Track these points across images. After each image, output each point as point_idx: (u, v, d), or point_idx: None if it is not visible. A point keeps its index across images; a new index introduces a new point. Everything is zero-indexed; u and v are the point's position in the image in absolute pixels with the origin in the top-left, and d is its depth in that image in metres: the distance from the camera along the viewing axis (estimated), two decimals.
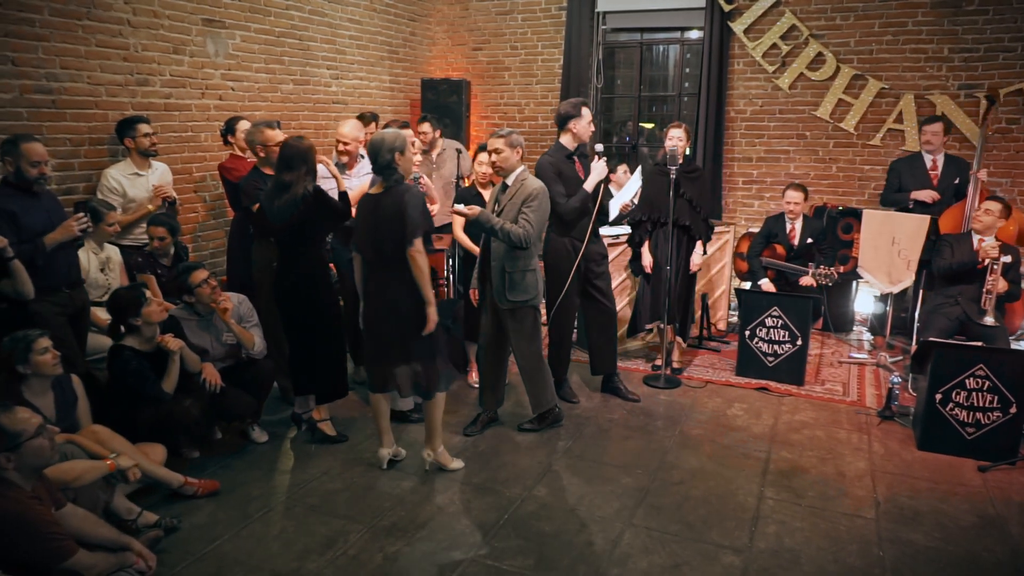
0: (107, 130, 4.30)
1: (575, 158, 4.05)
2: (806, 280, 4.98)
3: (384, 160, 3.23)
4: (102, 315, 3.69)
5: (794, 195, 5.06)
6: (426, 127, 5.48)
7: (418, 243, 3.21)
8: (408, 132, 4.31)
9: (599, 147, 4.01)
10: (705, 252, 4.68)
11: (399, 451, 3.64)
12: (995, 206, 4.39)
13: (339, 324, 3.78)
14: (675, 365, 4.86)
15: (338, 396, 3.81)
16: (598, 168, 3.95)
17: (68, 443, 2.81)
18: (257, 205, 3.78)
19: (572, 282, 4.05)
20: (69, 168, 4.16)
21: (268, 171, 3.99)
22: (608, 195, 4.34)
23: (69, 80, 4.11)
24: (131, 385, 3.28)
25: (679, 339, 4.86)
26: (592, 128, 4.06)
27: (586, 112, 4.02)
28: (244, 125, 4.59)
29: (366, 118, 5.13)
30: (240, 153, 4.56)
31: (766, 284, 5.09)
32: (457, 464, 3.53)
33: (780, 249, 5.13)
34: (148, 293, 3.38)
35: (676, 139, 4.42)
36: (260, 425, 3.84)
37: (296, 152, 3.53)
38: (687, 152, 4.53)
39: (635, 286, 5.32)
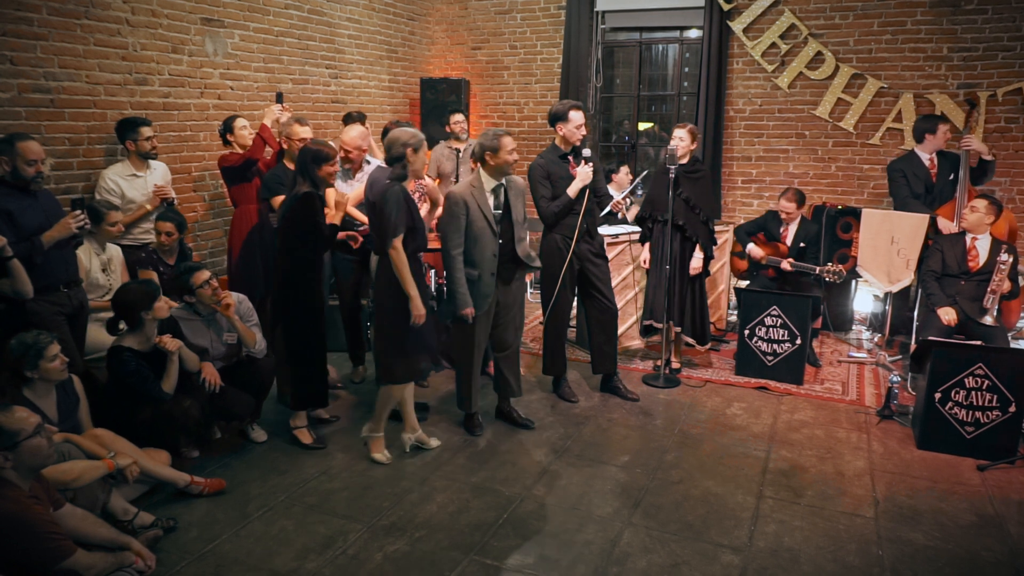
0: (106, 129, 4.30)
1: (570, 158, 4.05)
2: (785, 264, 4.93)
3: (396, 153, 3.32)
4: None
5: (787, 205, 5.05)
6: (459, 117, 5.85)
7: (396, 242, 3.28)
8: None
9: (586, 152, 4.01)
10: (710, 257, 4.61)
11: (428, 440, 3.73)
12: (980, 203, 4.40)
13: (315, 333, 3.65)
14: (673, 365, 4.86)
15: (310, 406, 3.79)
16: (582, 173, 3.95)
17: (66, 442, 2.80)
18: (279, 198, 3.90)
19: (564, 279, 4.08)
20: (68, 167, 4.16)
21: (290, 165, 4.10)
22: (608, 197, 4.32)
23: (67, 79, 4.11)
24: (131, 385, 3.28)
25: (693, 342, 4.78)
26: (583, 132, 4.03)
27: (575, 116, 4.01)
28: (242, 123, 4.60)
29: (353, 118, 5.15)
30: (240, 151, 4.56)
31: (753, 248, 5.07)
32: (380, 457, 3.56)
33: (783, 248, 5.13)
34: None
35: (677, 139, 4.45)
36: (259, 424, 3.84)
37: (304, 155, 3.53)
38: (695, 153, 4.53)
39: (639, 284, 5.33)
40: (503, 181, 3.71)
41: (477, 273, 3.67)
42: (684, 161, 4.49)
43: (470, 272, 3.67)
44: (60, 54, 4.05)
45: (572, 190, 3.97)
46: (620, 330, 5.23)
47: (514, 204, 3.75)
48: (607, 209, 4.20)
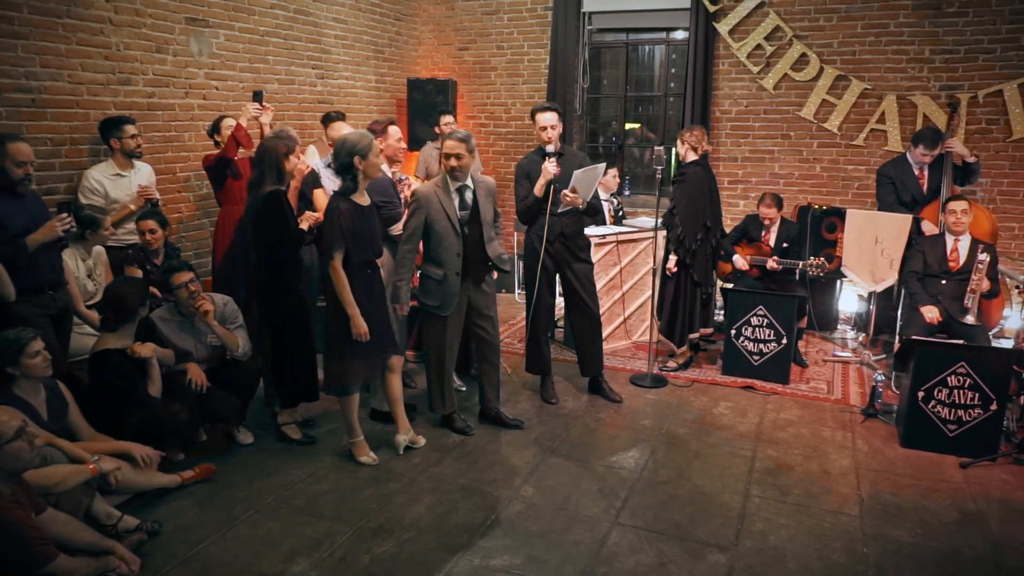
0: (89, 130, 4.25)
1: (555, 159, 4.04)
2: (771, 263, 4.99)
3: (343, 162, 3.30)
4: (95, 314, 3.70)
5: (767, 211, 5.14)
6: (449, 118, 5.85)
7: (334, 261, 3.29)
8: (394, 130, 4.30)
9: (549, 148, 4.02)
10: (684, 260, 4.62)
11: (417, 438, 3.75)
12: (960, 204, 4.43)
13: (296, 330, 3.65)
14: (670, 363, 4.93)
15: (299, 400, 3.79)
16: (544, 171, 3.95)
17: (48, 446, 2.77)
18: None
19: (540, 280, 4.13)
20: (50, 168, 4.11)
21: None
22: (596, 197, 4.25)
23: (49, 79, 4.06)
24: (121, 388, 3.23)
25: (667, 340, 4.88)
26: (547, 134, 4.00)
27: (538, 117, 4.02)
28: (229, 123, 4.57)
29: (332, 117, 5.13)
30: None
31: (738, 260, 5.12)
32: (367, 460, 3.57)
33: (766, 248, 5.18)
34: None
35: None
36: (245, 426, 3.82)
37: (261, 150, 3.53)
38: (694, 159, 4.62)
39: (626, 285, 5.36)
40: (468, 181, 3.70)
41: (443, 272, 3.67)
42: (662, 166, 4.61)
43: (436, 272, 3.68)
44: (42, 53, 4.00)
45: (537, 188, 3.98)
46: (608, 331, 5.26)
47: (483, 205, 3.73)
48: (562, 208, 4.07)
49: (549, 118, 4.01)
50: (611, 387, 4.46)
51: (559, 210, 4.03)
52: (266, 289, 3.59)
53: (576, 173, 3.93)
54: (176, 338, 3.58)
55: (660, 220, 4.68)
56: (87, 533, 2.62)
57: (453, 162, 3.60)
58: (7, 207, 3.16)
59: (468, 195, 3.70)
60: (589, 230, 4.61)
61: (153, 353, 3.33)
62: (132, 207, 4.15)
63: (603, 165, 4.11)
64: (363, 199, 3.41)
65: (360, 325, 3.34)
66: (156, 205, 4.26)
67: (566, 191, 3.94)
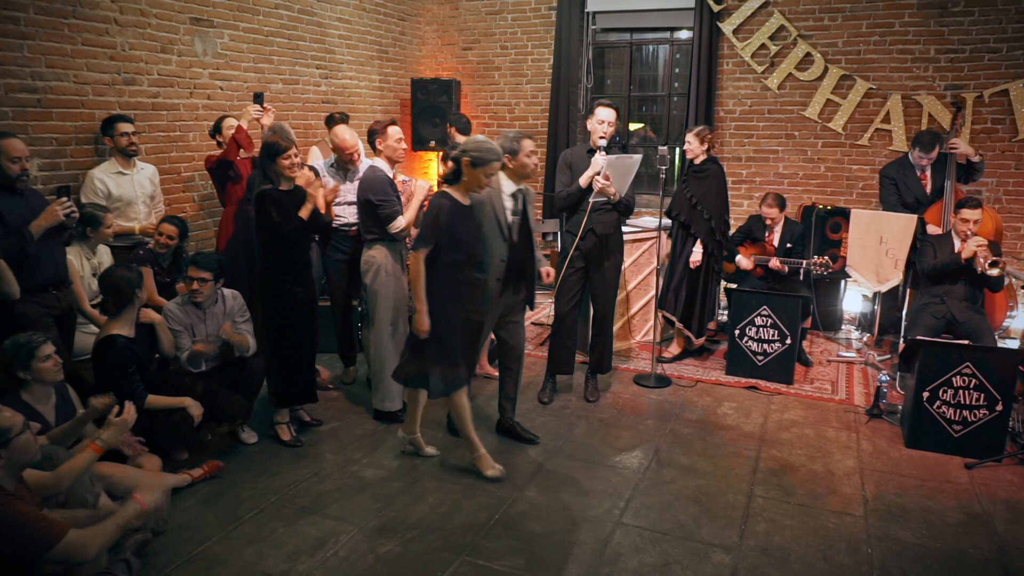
0: (94, 129, 4.27)
1: (604, 152, 4.02)
2: (775, 262, 5.01)
3: (455, 156, 3.36)
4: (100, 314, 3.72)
5: (769, 211, 5.13)
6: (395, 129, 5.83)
7: (416, 252, 3.27)
8: (394, 130, 4.29)
9: (601, 142, 4.00)
10: (710, 252, 4.77)
11: (425, 448, 3.69)
12: (974, 215, 4.35)
13: (292, 331, 3.64)
14: (664, 354, 5.02)
15: (289, 403, 3.78)
16: (593, 163, 3.94)
17: (52, 444, 2.77)
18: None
19: (564, 277, 4.14)
20: (55, 168, 4.13)
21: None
22: (631, 196, 4.23)
23: (55, 79, 4.08)
24: (117, 376, 3.21)
25: (689, 333, 4.99)
26: (604, 128, 4.03)
27: (597, 112, 4.05)
28: (231, 123, 4.57)
29: (335, 119, 5.13)
30: None
31: (741, 260, 5.15)
32: (430, 451, 3.66)
33: (770, 249, 5.16)
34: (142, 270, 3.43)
35: (687, 143, 4.81)
36: (250, 426, 3.82)
37: (261, 151, 3.53)
38: (707, 154, 4.79)
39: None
40: (522, 186, 3.63)
41: (484, 277, 3.56)
42: (698, 162, 4.78)
43: (477, 276, 3.59)
44: (47, 53, 4.02)
45: (583, 179, 3.96)
46: (642, 332, 5.30)
47: (530, 212, 3.69)
48: (593, 195, 4.04)
49: (607, 114, 4.04)
50: (595, 387, 4.45)
51: (590, 197, 3.98)
52: (268, 286, 3.60)
53: (610, 158, 3.90)
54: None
55: (676, 214, 4.83)
56: (109, 524, 2.51)
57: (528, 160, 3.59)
58: (7, 204, 3.17)
59: (520, 200, 3.62)
60: (627, 228, 4.63)
61: (160, 321, 3.45)
62: (136, 228, 4.17)
63: (639, 157, 4.08)
64: (465, 199, 3.37)
65: (423, 322, 3.30)
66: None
67: (598, 176, 3.89)
